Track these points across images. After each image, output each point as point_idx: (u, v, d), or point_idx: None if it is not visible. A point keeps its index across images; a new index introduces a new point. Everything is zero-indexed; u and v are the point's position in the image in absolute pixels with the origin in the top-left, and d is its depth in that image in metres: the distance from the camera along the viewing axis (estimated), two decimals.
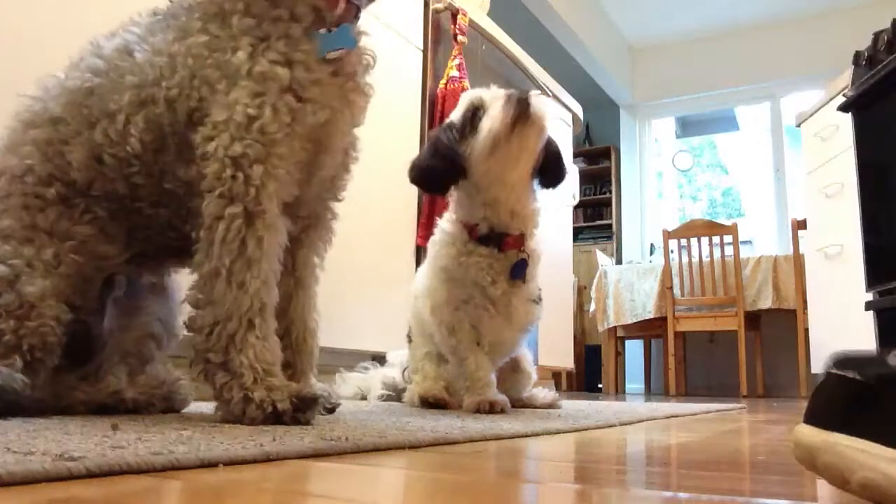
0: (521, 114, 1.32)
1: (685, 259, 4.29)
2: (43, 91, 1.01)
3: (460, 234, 1.44)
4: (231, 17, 0.95)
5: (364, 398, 1.81)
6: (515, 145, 1.33)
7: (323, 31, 0.99)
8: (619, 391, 4.74)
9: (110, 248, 1.01)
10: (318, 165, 1.05)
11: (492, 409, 1.37)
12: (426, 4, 2.48)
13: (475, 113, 1.37)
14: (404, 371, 1.70)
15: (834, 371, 0.47)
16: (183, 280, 1.17)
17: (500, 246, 1.43)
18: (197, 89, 0.94)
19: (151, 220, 1.02)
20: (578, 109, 3.60)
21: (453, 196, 1.49)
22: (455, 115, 1.44)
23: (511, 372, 1.63)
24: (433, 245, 1.51)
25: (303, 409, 0.91)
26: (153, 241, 1.05)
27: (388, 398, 1.76)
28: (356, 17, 1.06)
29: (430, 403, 1.48)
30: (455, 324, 1.44)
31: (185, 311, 1.18)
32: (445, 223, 1.50)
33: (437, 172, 1.40)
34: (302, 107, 0.95)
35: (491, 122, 1.32)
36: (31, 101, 1.00)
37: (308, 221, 1.12)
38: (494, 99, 1.36)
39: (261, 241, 0.93)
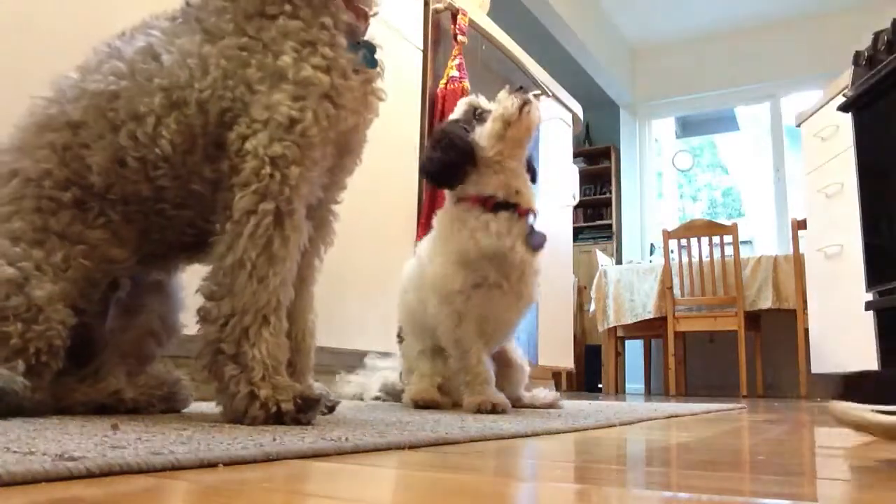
0: (526, 101, 1.50)
1: (685, 259, 4.29)
2: (58, 93, 1.00)
3: (472, 211, 1.48)
4: (273, 19, 0.97)
5: (361, 398, 1.81)
6: (523, 127, 1.50)
7: (357, 42, 1.04)
8: (619, 391, 4.74)
9: (120, 252, 1.01)
10: (342, 168, 1.09)
11: (493, 410, 1.37)
12: (426, 4, 2.48)
13: (475, 112, 1.54)
14: (401, 373, 1.70)
15: None
16: (187, 277, 1.18)
17: (516, 211, 1.49)
18: (231, 89, 0.95)
19: (173, 221, 1.03)
20: (578, 109, 3.60)
21: (452, 192, 1.54)
22: (457, 115, 1.57)
23: (504, 367, 1.62)
24: (441, 229, 1.53)
25: (305, 410, 0.91)
26: (168, 241, 1.06)
27: (383, 399, 1.76)
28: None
29: (422, 406, 1.48)
30: (464, 313, 1.45)
31: (188, 307, 1.19)
32: (450, 210, 1.52)
33: (453, 162, 1.49)
34: (337, 113, 0.98)
35: (503, 108, 1.50)
36: (46, 104, 1.00)
37: (313, 223, 1.13)
38: (497, 100, 1.52)
39: (287, 240, 0.95)
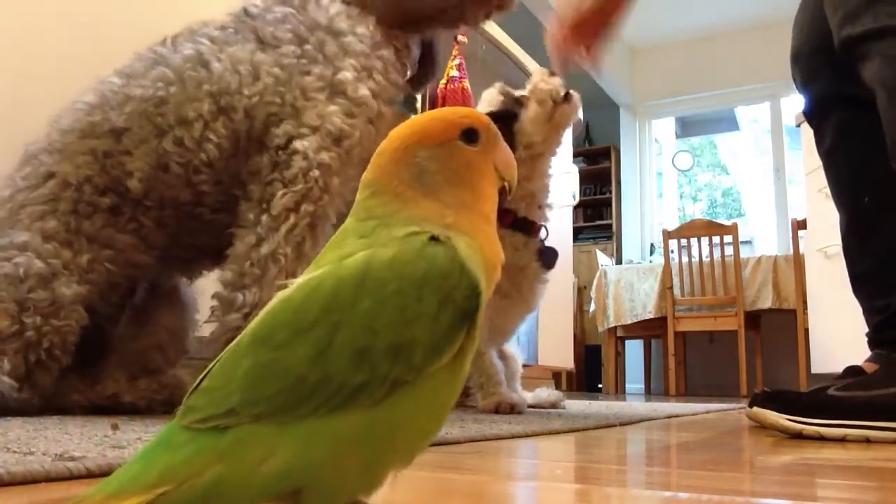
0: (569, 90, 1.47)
1: (685, 259, 4.29)
2: (100, 99, 1.00)
3: None
4: (338, 36, 1.00)
5: None
6: (569, 110, 1.46)
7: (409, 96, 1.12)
8: (619, 391, 4.74)
9: (146, 258, 1.03)
10: None
11: (512, 410, 1.38)
12: None
13: (514, 99, 1.48)
14: None
15: None
16: (204, 285, 1.18)
17: (530, 232, 1.48)
18: (281, 95, 0.97)
19: (210, 226, 1.04)
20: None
21: None
22: (492, 107, 1.49)
23: (501, 360, 1.63)
24: None
25: None
26: (199, 245, 1.07)
27: None
28: None
29: None
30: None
31: (197, 309, 1.18)
32: None
33: None
34: (375, 138, 1.01)
35: (549, 87, 1.45)
36: (88, 109, 1.00)
37: None
38: (532, 83, 1.47)
39: (316, 243, 0.97)
